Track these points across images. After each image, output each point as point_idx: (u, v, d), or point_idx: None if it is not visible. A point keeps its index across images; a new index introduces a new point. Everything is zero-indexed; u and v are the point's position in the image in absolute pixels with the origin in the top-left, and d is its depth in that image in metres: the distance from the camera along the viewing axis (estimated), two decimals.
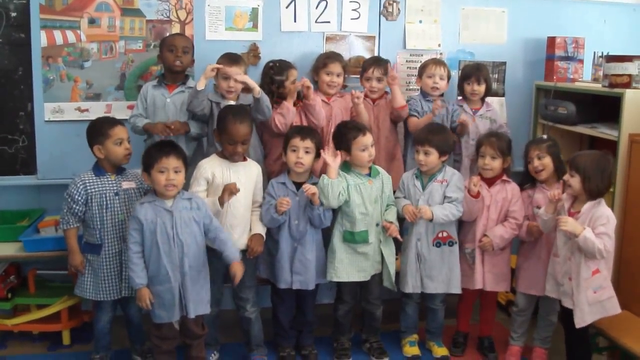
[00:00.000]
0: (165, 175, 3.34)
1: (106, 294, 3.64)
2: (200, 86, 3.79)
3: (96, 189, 3.60)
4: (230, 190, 3.54)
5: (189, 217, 3.43)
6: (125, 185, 3.65)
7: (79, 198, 3.58)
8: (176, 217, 3.39)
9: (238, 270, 3.46)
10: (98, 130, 3.61)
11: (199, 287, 3.49)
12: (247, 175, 3.72)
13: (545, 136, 3.99)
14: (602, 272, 3.46)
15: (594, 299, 3.46)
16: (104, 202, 3.60)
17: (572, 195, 3.54)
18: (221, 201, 3.55)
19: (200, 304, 3.51)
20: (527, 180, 3.95)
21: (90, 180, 3.62)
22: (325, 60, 4.23)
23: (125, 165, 3.68)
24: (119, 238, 3.61)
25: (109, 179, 3.64)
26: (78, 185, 3.59)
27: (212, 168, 3.63)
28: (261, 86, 3.99)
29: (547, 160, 3.81)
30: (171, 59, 3.98)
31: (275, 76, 4.10)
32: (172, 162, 3.35)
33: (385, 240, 3.87)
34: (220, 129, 3.68)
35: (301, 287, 3.81)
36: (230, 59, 3.94)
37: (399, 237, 3.83)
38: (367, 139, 3.77)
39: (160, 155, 3.35)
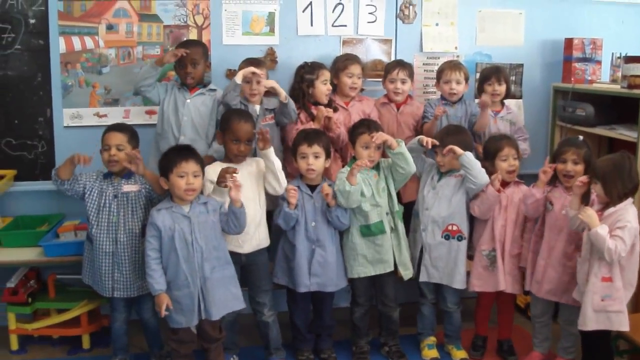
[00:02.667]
0: (185, 179, 3.36)
1: (98, 286, 3.69)
2: (239, 80, 3.84)
3: (97, 187, 3.67)
4: (228, 174, 3.50)
5: (206, 222, 3.45)
6: (126, 188, 3.67)
7: (80, 180, 3.68)
8: (194, 222, 3.41)
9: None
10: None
11: (225, 286, 3.50)
12: (250, 173, 3.72)
13: (581, 137, 3.84)
14: (614, 282, 3.38)
15: (600, 307, 3.39)
16: (102, 202, 3.65)
17: (603, 202, 3.49)
18: (220, 182, 3.54)
19: (227, 303, 3.53)
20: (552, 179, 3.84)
21: (95, 179, 3.70)
22: (346, 62, 4.24)
23: (117, 170, 3.66)
24: (112, 239, 3.63)
25: (112, 182, 3.68)
26: (84, 175, 3.71)
27: (216, 172, 3.62)
28: (292, 86, 4.09)
29: (581, 168, 3.68)
30: (182, 75, 4.01)
31: (305, 75, 4.12)
32: (191, 167, 3.37)
33: (395, 228, 3.88)
34: (224, 128, 3.71)
35: (319, 289, 3.81)
36: (252, 63, 3.98)
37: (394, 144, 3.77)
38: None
39: (180, 160, 3.37)
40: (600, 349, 3.60)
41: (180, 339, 3.53)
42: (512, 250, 3.91)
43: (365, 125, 3.84)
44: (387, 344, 4.10)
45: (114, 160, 3.62)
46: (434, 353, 4.07)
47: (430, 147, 3.85)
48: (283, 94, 3.92)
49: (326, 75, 4.15)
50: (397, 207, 3.92)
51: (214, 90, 4.05)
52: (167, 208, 3.44)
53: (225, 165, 3.66)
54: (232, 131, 3.66)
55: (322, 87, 4.12)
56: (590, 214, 3.34)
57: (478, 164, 3.78)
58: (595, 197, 3.50)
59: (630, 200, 3.40)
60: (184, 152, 3.43)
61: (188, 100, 3.99)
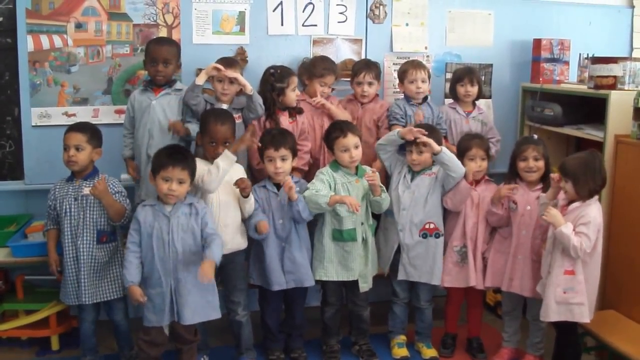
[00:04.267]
0: (168, 185, 3.35)
1: (67, 297, 3.66)
2: (200, 81, 3.83)
3: (61, 195, 3.65)
4: (249, 136, 3.61)
5: (187, 224, 3.43)
6: (87, 190, 3.61)
7: (50, 203, 3.68)
8: (173, 223, 3.40)
9: (206, 269, 3.25)
10: None
11: (200, 293, 3.46)
12: (232, 175, 3.69)
13: (535, 136, 3.96)
14: (576, 275, 3.46)
15: (562, 299, 3.47)
16: (64, 207, 3.62)
17: (571, 199, 3.54)
18: (236, 149, 3.64)
19: (202, 310, 3.49)
20: (512, 177, 3.92)
21: (60, 186, 3.69)
22: (324, 71, 4.24)
23: (77, 169, 3.63)
24: (74, 244, 3.60)
25: (74, 185, 3.65)
26: (51, 190, 3.70)
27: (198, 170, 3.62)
28: (260, 93, 4.02)
29: (541, 164, 3.79)
30: (152, 72, 3.96)
31: (276, 83, 4.08)
32: (177, 173, 3.35)
33: (365, 240, 3.88)
34: (202, 130, 3.71)
35: (296, 285, 3.81)
36: (226, 62, 3.95)
37: (377, 184, 3.78)
38: (348, 140, 3.78)
39: (168, 164, 3.34)
40: (568, 345, 3.66)
41: (151, 340, 3.51)
42: (482, 247, 3.97)
43: (339, 129, 3.83)
44: (357, 342, 4.12)
45: (73, 161, 3.59)
46: (404, 352, 4.08)
47: (414, 138, 3.79)
48: (248, 86, 3.88)
49: (295, 81, 4.15)
50: (371, 221, 3.95)
51: (180, 90, 3.99)
52: (152, 205, 3.44)
53: (203, 163, 3.65)
54: (208, 133, 3.65)
55: (292, 95, 4.11)
56: (554, 213, 3.42)
57: (453, 157, 3.80)
58: (564, 196, 3.56)
59: (595, 197, 3.46)
60: (174, 155, 3.40)
61: (153, 102, 3.94)
